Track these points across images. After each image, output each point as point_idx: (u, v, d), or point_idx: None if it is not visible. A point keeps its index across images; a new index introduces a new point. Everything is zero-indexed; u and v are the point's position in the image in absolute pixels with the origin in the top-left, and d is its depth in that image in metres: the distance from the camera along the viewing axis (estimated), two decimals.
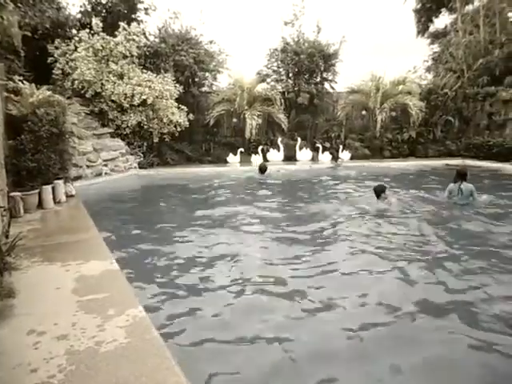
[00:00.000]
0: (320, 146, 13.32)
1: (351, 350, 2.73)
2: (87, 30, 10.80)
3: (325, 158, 13.24)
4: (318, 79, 14.17)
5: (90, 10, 12.36)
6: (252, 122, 12.74)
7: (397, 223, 5.72)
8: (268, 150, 13.31)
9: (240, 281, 3.82)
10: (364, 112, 14.48)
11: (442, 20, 22.80)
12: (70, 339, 2.30)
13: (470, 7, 19.02)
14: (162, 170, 11.34)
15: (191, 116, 12.23)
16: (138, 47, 11.35)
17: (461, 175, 6.86)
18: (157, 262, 4.39)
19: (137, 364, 2.05)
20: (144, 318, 2.53)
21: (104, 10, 12.48)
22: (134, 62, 11.33)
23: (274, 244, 4.99)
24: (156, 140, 11.74)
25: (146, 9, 12.98)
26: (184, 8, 13.93)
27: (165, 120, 11.42)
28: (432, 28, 24.10)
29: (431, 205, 6.79)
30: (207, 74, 13.47)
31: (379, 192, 6.57)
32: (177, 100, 11.68)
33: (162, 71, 12.02)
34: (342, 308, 3.30)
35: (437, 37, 22.76)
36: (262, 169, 10.19)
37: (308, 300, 3.45)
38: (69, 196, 6.67)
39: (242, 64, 13.76)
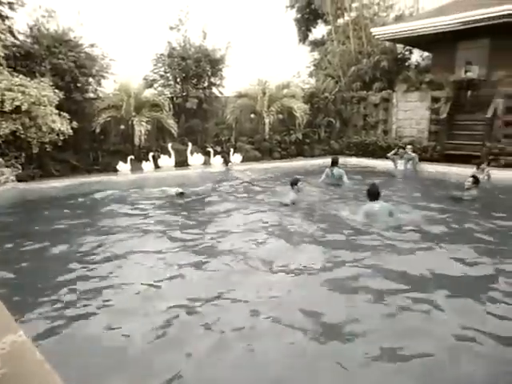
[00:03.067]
0: (211, 149, 13.47)
1: None
2: None
3: (216, 161, 13.41)
4: (206, 84, 14.30)
5: None
6: (141, 128, 12.38)
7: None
8: (159, 157, 13.07)
9: None
10: (253, 115, 15.00)
11: (320, 30, 24.65)
12: None
13: (341, 20, 20.85)
14: (45, 182, 10.49)
15: (75, 124, 11.46)
16: (4, 46, 10.31)
17: (333, 162, 9.78)
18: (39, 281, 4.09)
19: None
20: (25, 342, 2.33)
21: None
22: (0, 64, 10.28)
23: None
24: (36, 150, 10.77)
25: (10, 3, 11.68)
26: (59, 7, 12.96)
27: (45, 128, 10.52)
28: (311, 37, 25.89)
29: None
30: (90, 79, 12.78)
31: (293, 183, 7.62)
32: (58, 107, 10.85)
33: (38, 75, 11.09)
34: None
35: (316, 45, 24.49)
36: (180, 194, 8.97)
37: None
38: None
39: (129, 69, 13.24)
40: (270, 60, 23.35)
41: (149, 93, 13.43)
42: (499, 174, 10.43)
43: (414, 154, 12.21)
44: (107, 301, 3.67)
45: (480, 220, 6.38)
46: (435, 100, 14.12)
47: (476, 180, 7.99)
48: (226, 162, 13.44)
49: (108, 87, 13.40)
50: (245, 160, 13.81)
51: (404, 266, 4.37)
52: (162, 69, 14.08)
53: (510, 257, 4.76)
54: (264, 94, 14.33)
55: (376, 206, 5.94)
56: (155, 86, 14.14)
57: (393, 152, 12.50)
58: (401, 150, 12.50)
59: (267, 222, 6.34)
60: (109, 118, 12.66)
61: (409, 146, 12.44)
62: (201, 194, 9.11)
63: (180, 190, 8.85)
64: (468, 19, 13.63)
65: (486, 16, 13.18)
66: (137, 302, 3.66)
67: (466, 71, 13.56)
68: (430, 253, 4.87)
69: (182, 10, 13.90)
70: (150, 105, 13.24)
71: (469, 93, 13.71)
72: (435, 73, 15.07)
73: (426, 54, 18.33)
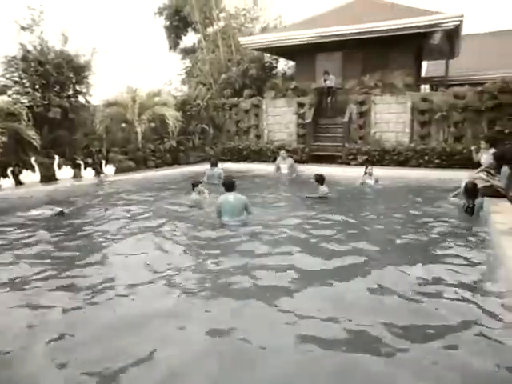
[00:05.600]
0: (81, 162, 12.61)
1: None
2: None
3: (88, 174, 12.60)
4: (71, 92, 13.34)
5: None
6: None
7: None
8: (20, 172, 11.79)
9: None
10: (124, 124, 14.43)
11: (191, 38, 24.78)
12: None
13: (210, 29, 21.29)
14: None
15: None
16: None
17: (212, 163, 11.02)
18: None
19: None
20: None
21: None
22: None
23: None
24: None
25: None
26: None
27: None
28: (182, 44, 25.88)
29: None
30: None
31: (194, 185, 7.90)
32: None
33: None
34: None
35: (187, 52, 24.56)
36: None
37: None
38: None
39: None
40: (140, 67, 22.82)
41: (1, 100, 12.05)
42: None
43: (290, 159, 12.77)
44: None
45: (324, 214, 7.09)
46: (300, 105, 15.24)
47: (320, 178, 8.74)
48: (99, 174, 12.71)
49: None
50: (119, 171, 13.21)
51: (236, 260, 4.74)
52: (16, 74, 12.74)
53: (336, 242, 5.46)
54: (134, 102, 13.90)
55: (230, 196, 6.34)
56: (9, 92, 12.73)
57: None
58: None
59: (153, 229, 6.22)
60: None
61: (282, 151, 13.04)
62: (79, 211, 8.12)
63: (59, 209, 7.58)
64: (324, 34, 15.04)
65: (339, 33, 14.72)
66: None
67: (324, 80, 14.85)
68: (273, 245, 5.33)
69: (33, 8, 12.69)
70: (5, 114, 11.89)
71: (328, 99, 15.08)
72: (299, 80, 16.29)
73: (291, 62, 19.67)
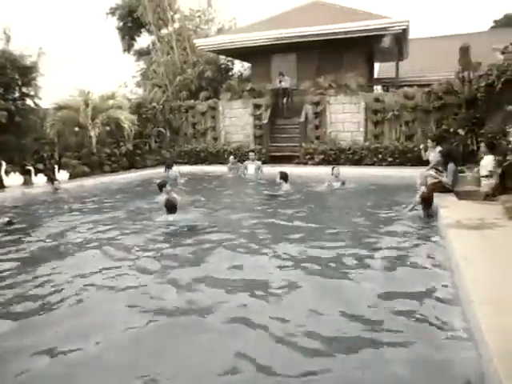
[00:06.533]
0: (32, 168, 12.10)
1: None
2: None
3: (39, 180, 12.10)
4: (17, 94, 12.77)
5: None
6: None
7: None
8: None
9: None
10: (77, 128, 13.97)
11: (145, 39, 24.38)
12: None
13: (165, 31, 21.02)
14: None
15: None
16: None
17: (168, 165, 11.39)
18: None
19: None
20: None
21: None
22: None
23: None
24: None
25: None
26: None
27: None
28: (137, 46, 25.44)
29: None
30: None
31: (161, 186, 7.89)
32: None
33: None
34: None
35: (142, 54, 24.16)
36: None
37: None
38: None
39: None
40: (93, 70, 22.19)
41: None
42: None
43: (258, 161, 12.79)
44: None
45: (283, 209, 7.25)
46: (257, 107, 15.35)
47: (285, 175, 8.87)
48: (51, 180, 12.22)
49: None
50: (73, 177, 12.78)
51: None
52: None
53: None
54: (87, 105, 13.49)
55: (170, 218, 6.35)
56: None
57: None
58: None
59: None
60: None
61: (252, 153, 13.02)
62: (29, 220, 7.62)
63: (6, 219, 7.06)
64: (279, 36, 15.25)
65: (293, 35, 14.97)
66: None
67: (279, 81, 15.03)
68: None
69: None
70: None
71: (284, 100, 15.30)
72: (255, 82, 16.40)
73: (247, 64, 19.77)
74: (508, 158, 6.51)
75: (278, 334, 3.05)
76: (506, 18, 30.96)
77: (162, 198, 7.69)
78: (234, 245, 5.42)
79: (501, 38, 12.04)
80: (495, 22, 31.81)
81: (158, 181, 8.91)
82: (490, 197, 6.71)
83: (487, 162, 7.51)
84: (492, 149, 7.61)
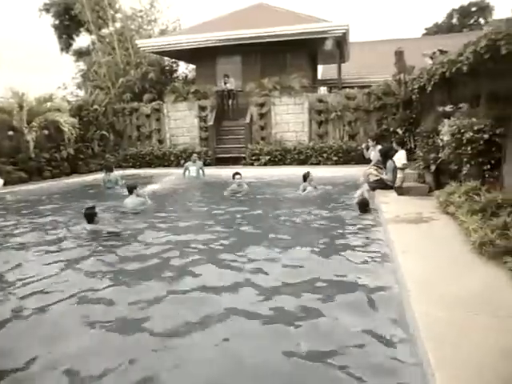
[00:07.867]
0: None
1: None
2: None
3: None
4: None
5: None
6: None
7: None
8: None
9: None
10: (11, 132, 13.19)
11: (85, 39, 23.42)
12: None
13: (106, 30, 20.34)
14: None
15: None
16: None
17: (108, 168, 10.80)
18: None
19: None
20: None
21: None
22: None
23: None
24: None
25: None
26: None
27: None
28: (76, 46, 24.43)
29: None
30: None
31: (132, 188, 7.75)
32: None
33: None
34: None
35: (81, 55, 23.24)
36: None
37: None
38: None
39: None
40: (28, 70, 21.07)
41: None
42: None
43: (200, 162, 12.62)
44: None
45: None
46: (202, 109, 15.28)
47: (237, 174, 8.92)
48: None
49: None
50: (10, 183, 12.04)
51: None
52: None
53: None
54: (21, 107, 12.78)
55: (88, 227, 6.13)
56: None
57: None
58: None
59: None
60: None
61: (194, 155, 12.83)
62: None
63: None
64: (223, 38, 15.28)
65: (237, 37, 15.06)
66: None
67: (224, 83, 15.05)
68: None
69: None
70: None
71: (230, 102, 15.32)
72: (200, 84, 16.31)
73: (192, 66, 19.60)
74: (440, 155, 6.93)
75: None
76: (435, 26, 33.14)
77: (135, 200, 7.67)
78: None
79: (431, 44, 12.78)
80: (426, 29, 33.89)
81: (127, 182, 9.16)
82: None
83: (400, 156, 8.92)
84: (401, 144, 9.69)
